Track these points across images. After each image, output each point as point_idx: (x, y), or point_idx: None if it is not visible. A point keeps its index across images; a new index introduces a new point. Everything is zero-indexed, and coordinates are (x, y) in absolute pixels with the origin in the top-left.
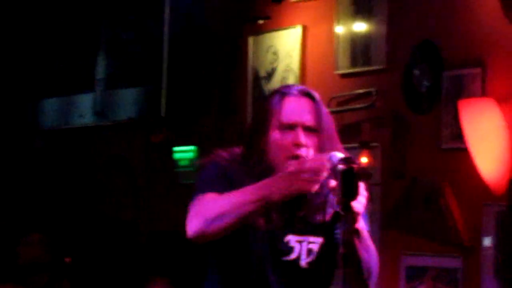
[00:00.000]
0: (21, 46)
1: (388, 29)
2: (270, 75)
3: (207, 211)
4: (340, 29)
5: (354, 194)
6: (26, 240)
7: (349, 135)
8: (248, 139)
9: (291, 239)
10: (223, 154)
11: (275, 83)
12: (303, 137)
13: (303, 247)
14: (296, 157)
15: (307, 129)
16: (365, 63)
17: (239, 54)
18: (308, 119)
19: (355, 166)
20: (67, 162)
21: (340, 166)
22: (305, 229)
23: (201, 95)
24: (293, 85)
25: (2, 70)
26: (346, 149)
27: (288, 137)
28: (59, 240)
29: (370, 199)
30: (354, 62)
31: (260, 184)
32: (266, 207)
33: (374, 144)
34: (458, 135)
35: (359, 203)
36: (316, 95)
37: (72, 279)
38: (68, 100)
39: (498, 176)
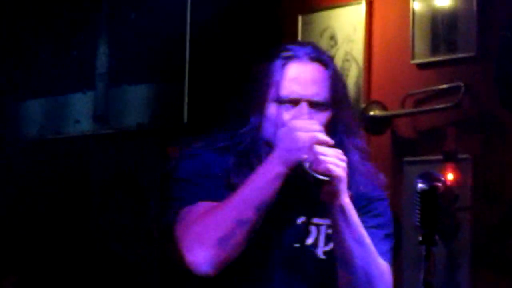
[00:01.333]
0: None
1: (479, 4)
2: None
3: (213, 228)
4: (417, 5)
5: (435, 224)
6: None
7: (430, 143)
8: (239, 116)
9: (306, 221)
10: (197, 143)
11: None
12: (307, 115)
13: (321, 231)
14: None
15: (315, 106)
16: (450, 49)
17: (284, 39)
18: (316, 92)
19: (438, 185)
20: (57, 182)
21: (420, 185)
22: (323, 210)
23: (233, 94)
24: (301, 46)
25: None
26: (427, 163)
27: (288, 115)
28: (41, 283)
29: (458, 227)
30: (435, 48)
31: (264, 164)
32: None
33: (463, 155)
34: None
35: (336, 166)
36: (330, 60)
37: None
38: (59, 101)
39: None
